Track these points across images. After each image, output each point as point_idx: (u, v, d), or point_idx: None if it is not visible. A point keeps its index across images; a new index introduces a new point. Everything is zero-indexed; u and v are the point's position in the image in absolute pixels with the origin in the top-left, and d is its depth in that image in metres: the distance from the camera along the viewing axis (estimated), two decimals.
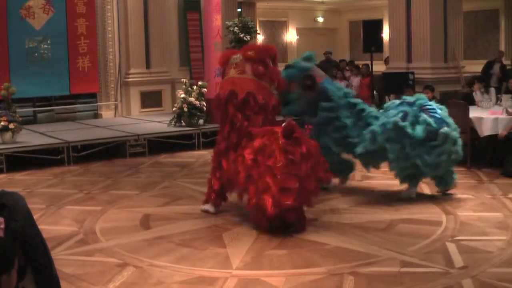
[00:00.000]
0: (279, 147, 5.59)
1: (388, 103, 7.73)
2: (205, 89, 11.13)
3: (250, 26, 12.17)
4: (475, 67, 13.38)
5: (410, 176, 6.95)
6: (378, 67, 12.94)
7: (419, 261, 4.96)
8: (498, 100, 9.49)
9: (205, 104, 11.03)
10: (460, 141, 6.88)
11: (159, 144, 10.66)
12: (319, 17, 20.01)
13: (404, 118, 6.72)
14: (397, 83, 10.26)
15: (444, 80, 10.74)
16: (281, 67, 7.47)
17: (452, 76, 10.94)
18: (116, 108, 13.50)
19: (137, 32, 13.39)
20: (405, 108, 6.85)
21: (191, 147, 10.78)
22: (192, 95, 11.07)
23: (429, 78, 10.43)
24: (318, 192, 6.09)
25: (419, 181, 7.15)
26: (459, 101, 8.97)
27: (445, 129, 6.66)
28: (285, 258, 5.13)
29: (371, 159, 7.13)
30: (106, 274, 4.84)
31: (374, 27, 12.19)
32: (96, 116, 13.51)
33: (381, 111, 7.23)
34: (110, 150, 10.23)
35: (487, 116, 8.45)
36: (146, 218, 6.47)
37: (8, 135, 9.47)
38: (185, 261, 5.11)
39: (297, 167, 5.56)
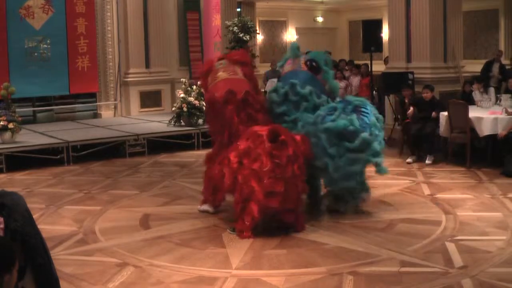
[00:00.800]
0: (264, 151, 5.57)
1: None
2: None
3: (249, 26, 12.18)
4: (475, 66, 13.37)
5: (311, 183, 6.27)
6: (378, 67, 12.89)
7: (419, 261, 4.96)
8: (497, 100, 9.49)
9: (204, 104, 11.02)
10: (381, 158, 6.21)
11: (158, 144, 10.66)
12: (318, 17, 19.98)
13: (331, 113, 6.23)
14: (397, 83, 10.24)
15: (444, 80, 10.73)
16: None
17: (452, 76, 10.93)
18: (115, 108, 13.50)
19: (136, 32, 13.39)
20: (338, 105, 6.35)
21: (191, 147, 10.77)
22: (192, 95, 11.07)
23: (428, 77, 10.41)
24: (307, 190, 6.08)
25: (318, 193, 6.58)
26: (459, 101, 8.98)
27: (366, 134, 6.05)
28: (284, 258, 5.13)
29: None
30: (106, 274, 4.84)
31: (373, 27, 12.17)
32: (96, 115, 13.52)
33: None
34: (110, 150, 10.23)
35: (486, 116, 8.46)
36: (146, 218, 6.48)
37: (7, 135, 9.48)
38: (184, 261, 5.11)
39: (283, 170, 5.54)
